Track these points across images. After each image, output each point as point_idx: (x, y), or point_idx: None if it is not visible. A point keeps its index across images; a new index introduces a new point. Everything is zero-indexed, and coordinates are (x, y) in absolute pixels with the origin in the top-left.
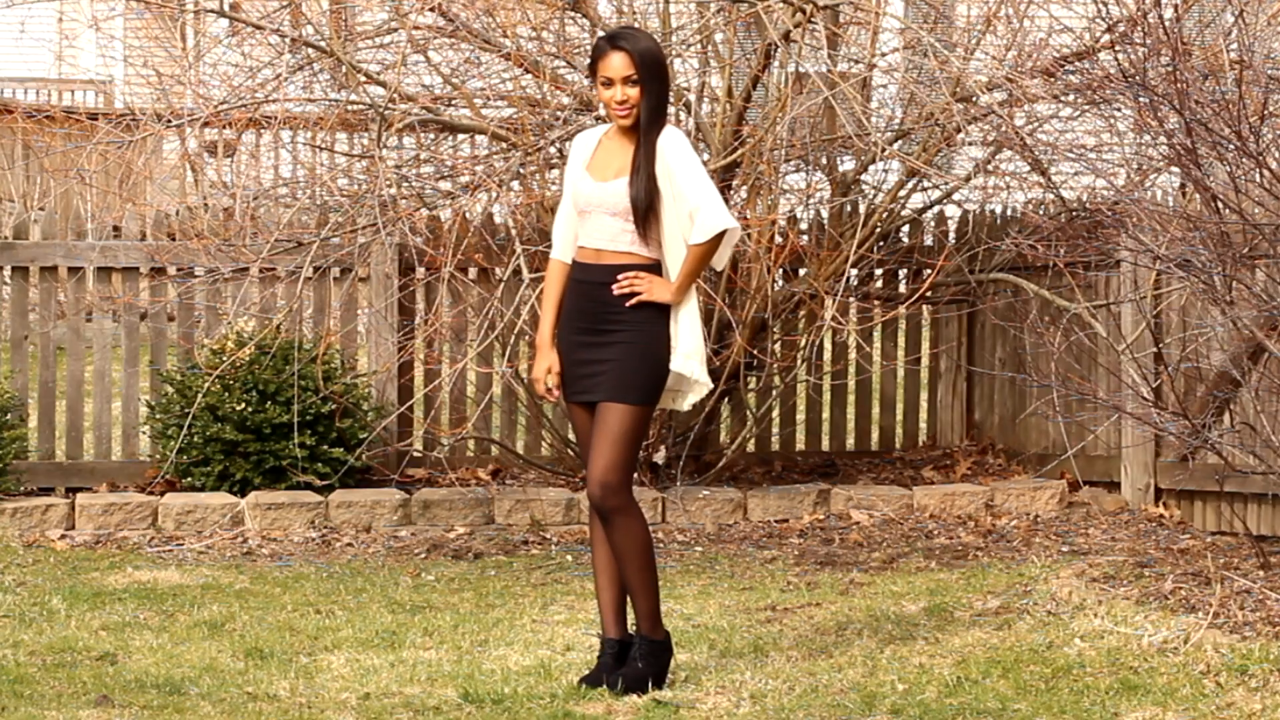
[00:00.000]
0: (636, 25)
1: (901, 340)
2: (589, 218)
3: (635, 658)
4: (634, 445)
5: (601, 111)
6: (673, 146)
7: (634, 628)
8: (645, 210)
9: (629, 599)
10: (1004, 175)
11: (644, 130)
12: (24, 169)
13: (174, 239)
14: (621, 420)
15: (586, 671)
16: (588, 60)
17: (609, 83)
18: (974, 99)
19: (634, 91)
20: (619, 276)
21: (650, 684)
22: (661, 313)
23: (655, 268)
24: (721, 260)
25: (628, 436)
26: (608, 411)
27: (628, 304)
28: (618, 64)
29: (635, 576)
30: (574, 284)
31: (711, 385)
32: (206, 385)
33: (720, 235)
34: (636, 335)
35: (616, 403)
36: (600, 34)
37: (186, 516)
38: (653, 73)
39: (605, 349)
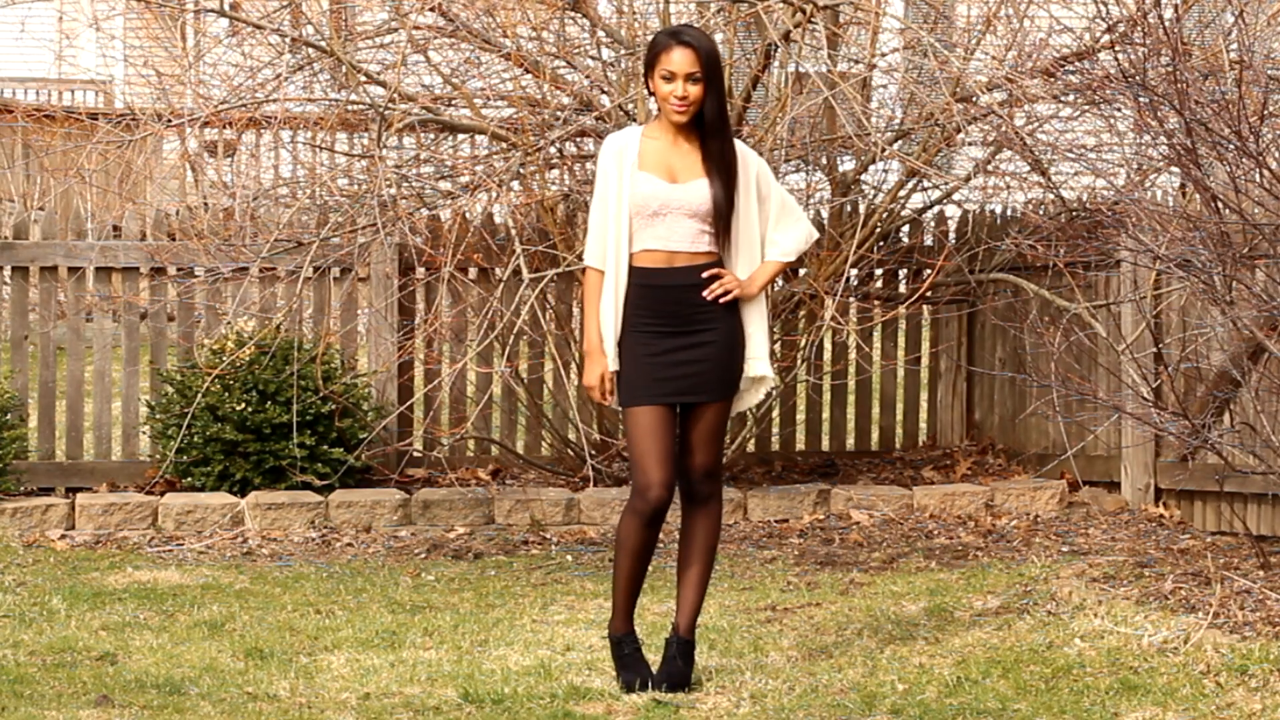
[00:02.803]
0: (695, 25)
1: (901, 340)
2: (662, 220)
3: (675, 656)
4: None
5: (606, 106)
6: (763, 167)
7: (671, 628)
8: (728, 212)
9: (684, 595)
10: (1004, 175)
11: (709, 130)
12: (24, 169)
13: (174, 239)
14: (720, 416)
15: (587, 672)
16: (595, 57)
17: (670, 77)
18: (974, 99)
19: (695, 89)
20: (706, 275)
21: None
22: (738, 308)
23: (720, 265)
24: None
25: (724, 430)
26: (710, 410)
27: (721, 301)
28: (680, 59)
29: (708, 573)
30: (647, 289)
31: (777, 381)
32: (206, 385)
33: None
34: (727, 333)
35: (721, 401)
36: (661, 30)
37: (186, 516)
38: (715, 72)
39: (699, 349)
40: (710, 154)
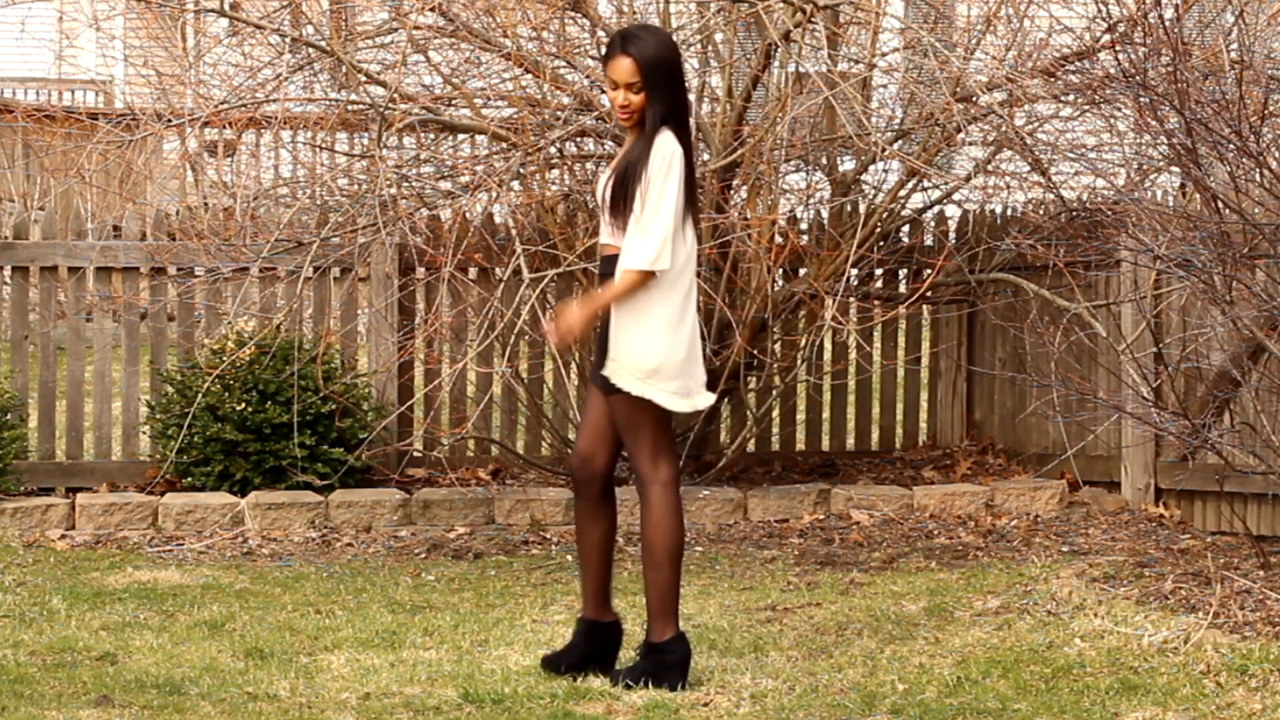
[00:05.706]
0: (653, 25)
1: (901, 340)
2: (601, 214)
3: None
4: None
5: (606, 105)
6: (657, 153)
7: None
8: (613, 207)
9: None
10: (1004, 175)
11: (646, 134)
12: (24, 169)
13: (174, 239)
14: (613, 408)
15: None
16: (595, 57)
17: (614, 85)
18: (974, 99)
19: (636, 98)
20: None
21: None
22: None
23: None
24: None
25: (631, 426)
26: (608, 400)
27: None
28: (622, 69)
29: (653, 573)
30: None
31: (643, 392)
32: (206, 385)
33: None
34: (601, 329)
35: (605, 394)
36: (616, 31)
37: (186, 516)
38: (658, 80)
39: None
40: (628, 153)
